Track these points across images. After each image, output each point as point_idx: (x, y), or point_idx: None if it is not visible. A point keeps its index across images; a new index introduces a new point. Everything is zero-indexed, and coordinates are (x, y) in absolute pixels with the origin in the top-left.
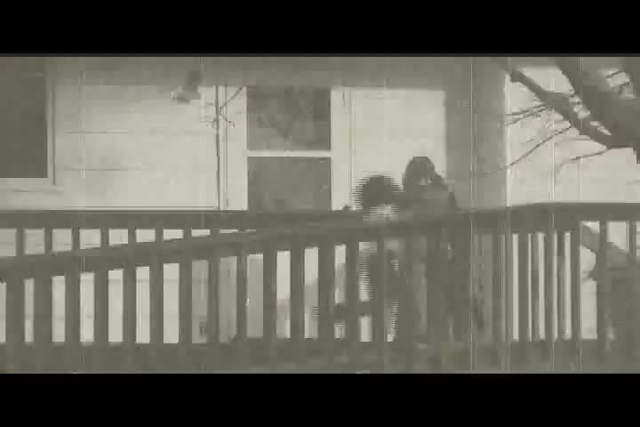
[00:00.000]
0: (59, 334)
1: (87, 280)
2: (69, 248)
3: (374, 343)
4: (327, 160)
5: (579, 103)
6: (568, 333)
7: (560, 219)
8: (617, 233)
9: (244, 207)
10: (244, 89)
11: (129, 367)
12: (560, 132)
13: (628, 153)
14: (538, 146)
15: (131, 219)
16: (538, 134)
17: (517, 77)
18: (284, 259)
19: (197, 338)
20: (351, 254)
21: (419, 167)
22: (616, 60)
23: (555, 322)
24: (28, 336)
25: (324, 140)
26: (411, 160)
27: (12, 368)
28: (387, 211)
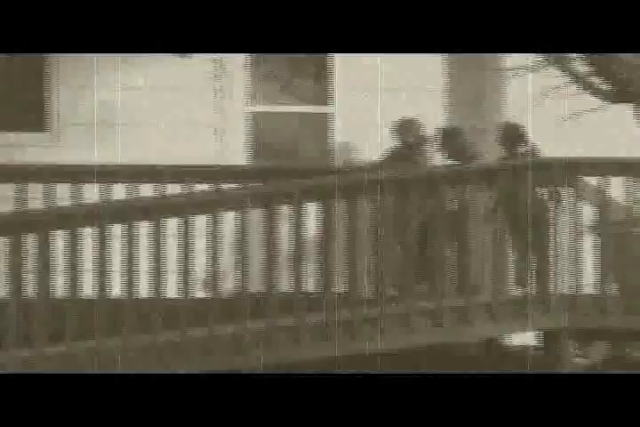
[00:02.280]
0: (59, 287)
1: (86, 235)
2: (69, 203)
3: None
4: (328, 115)
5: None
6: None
7: (560, 174)
8: (618, 188)
9: (244, 162)
10: None
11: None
12: (559, 88)
13: (627, 108)
14: (537, 101)
15: (131, 174)
16: (537, 90)
17: None
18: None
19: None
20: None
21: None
22: None
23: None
24: (28, 291)
25: (324, 96)
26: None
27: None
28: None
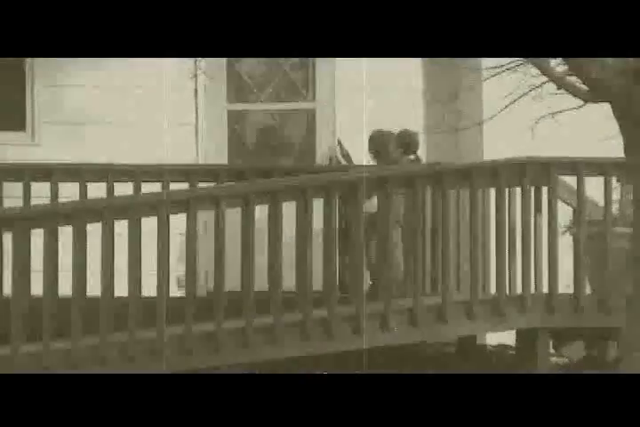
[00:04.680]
0: (37, 286)
1: (65, 233)
2: (47, 201)
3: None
4: (311, 111)
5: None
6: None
7: (537, 173)
8: (594, 188)
9: (224, 161)
10: None
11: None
12: (537, 87)
13: (605, 108)
14: (515, 101)
15: (109, 173)
16: (515, 89)
17: None
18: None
19: (175, 292)
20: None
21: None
22: None
23: (532, 276)
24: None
25: (307, 92)
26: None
27: None
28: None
